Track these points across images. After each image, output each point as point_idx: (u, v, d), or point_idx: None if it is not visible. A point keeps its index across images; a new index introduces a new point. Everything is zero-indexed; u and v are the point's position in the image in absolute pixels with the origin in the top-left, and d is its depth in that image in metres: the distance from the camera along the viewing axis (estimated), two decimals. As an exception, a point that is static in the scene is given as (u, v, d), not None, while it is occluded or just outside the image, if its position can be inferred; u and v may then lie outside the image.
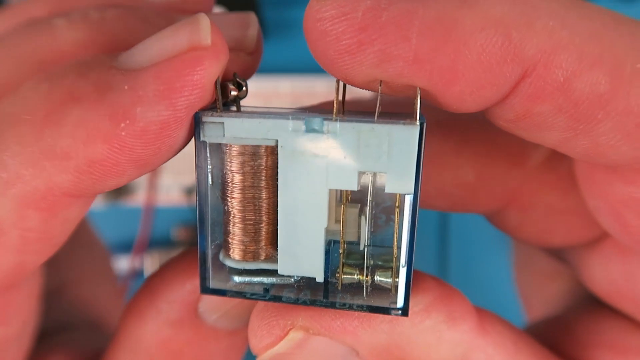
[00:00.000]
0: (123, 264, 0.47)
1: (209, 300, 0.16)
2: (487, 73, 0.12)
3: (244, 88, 0.15)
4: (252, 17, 0.16)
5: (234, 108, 0.15)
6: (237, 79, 0.15)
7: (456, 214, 0.42)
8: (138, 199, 0.45)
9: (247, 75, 0.16)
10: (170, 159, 0.14)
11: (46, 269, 0.18)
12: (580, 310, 0.20)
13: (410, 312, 0.14)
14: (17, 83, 0.14)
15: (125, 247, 0.47)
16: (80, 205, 0.14)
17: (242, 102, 0.15)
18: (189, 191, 0.41)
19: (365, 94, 0.17)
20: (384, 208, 0.14)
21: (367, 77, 0.12)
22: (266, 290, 0.15)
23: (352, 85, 0.13)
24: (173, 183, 0.41)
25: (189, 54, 0.12)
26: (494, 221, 0.19)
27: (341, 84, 0.14)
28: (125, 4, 0.17)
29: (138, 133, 0.12)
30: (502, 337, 0.15)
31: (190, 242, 0.46)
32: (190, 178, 0.41)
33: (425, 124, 0.12)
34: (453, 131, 0.17)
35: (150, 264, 0.46)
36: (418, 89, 0.13)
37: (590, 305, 0.19)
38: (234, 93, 0.15)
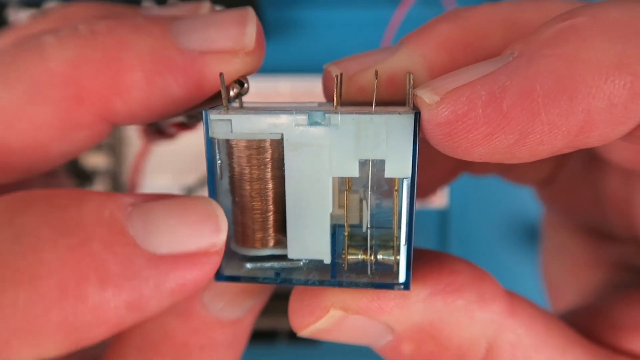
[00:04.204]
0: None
1: (214, 289, 0.17)
2: (625, 110, 0.12)
3: (246, 85, 0.16)
4: (250, 13, 0.16)
5: (236, 104, 0.16)
6: (239, 77, 0.16)
7: (456, 214, 0.43)
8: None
9: (248, 74, 0.16)
10: None
11: None
12: (614, 296, 0.20)
13: (443, 292, 0.15)
14: (9, 107, 0.15)
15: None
16: None
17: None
18: (188, 191, 0.42)
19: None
20: (384, 191, 0.15)
21: (504, 154, 0.13)
22: (277, 274, 0.16)
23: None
24: (173, 183, 0.41)
25: (205, 257, 0.13)
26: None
27: (339, 78, 0.14)
28: (123, 13, 0.17)
29: (135, 317, 0.13)
30: (532, 319, 0.16)
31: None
32: (190, 178, 0.41)
33: (419, 113, 0.13)
34: None
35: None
36: (410, 76, 0.14)
37: (626, 291, 0.19)
38: (236, 90, 0.16)
